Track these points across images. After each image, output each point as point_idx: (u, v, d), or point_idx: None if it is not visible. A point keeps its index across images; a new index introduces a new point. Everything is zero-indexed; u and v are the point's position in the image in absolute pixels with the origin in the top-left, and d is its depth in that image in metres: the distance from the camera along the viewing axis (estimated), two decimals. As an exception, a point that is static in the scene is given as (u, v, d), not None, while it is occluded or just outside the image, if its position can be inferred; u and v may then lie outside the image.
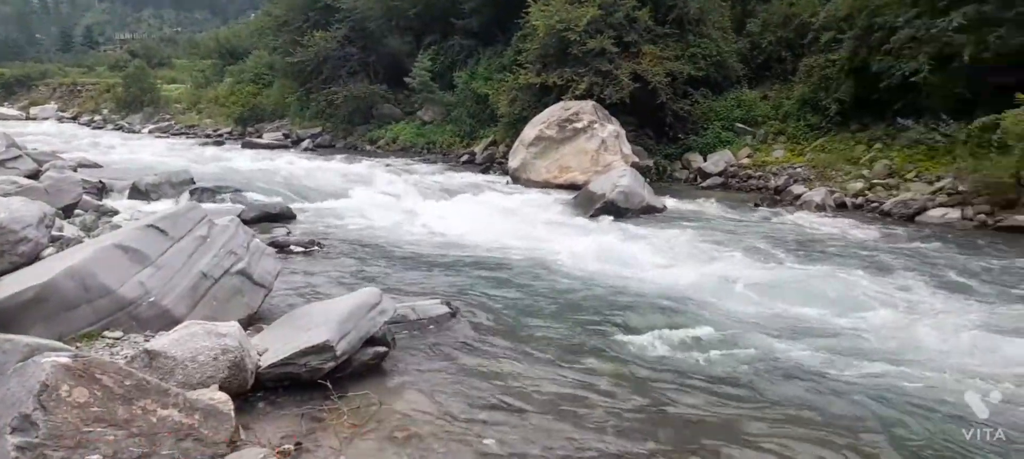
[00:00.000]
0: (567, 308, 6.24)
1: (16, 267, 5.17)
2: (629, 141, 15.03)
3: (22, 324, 4.29)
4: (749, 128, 16.13)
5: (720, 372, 4.80)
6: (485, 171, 17.31)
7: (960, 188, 11.19)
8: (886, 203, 11.64)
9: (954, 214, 10.83)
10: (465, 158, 19.12)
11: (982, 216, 10.53)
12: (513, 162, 15.36)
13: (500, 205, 11.86)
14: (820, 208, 11.93)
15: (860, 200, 12.19)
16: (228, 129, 27.97)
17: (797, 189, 13.09)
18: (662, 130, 16.38)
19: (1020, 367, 4.81)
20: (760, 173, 14.53)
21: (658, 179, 15.17)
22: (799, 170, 13.96)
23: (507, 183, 14.97)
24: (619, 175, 12.06)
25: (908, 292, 6.83)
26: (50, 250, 5.57)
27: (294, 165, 16.37)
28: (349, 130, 23.80)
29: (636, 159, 14.58)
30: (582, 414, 4.07)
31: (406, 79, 22.53)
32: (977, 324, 5.78)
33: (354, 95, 23.38)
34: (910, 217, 11.13)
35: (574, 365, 4.89)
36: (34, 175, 10.84)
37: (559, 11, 16.11)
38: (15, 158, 11.79)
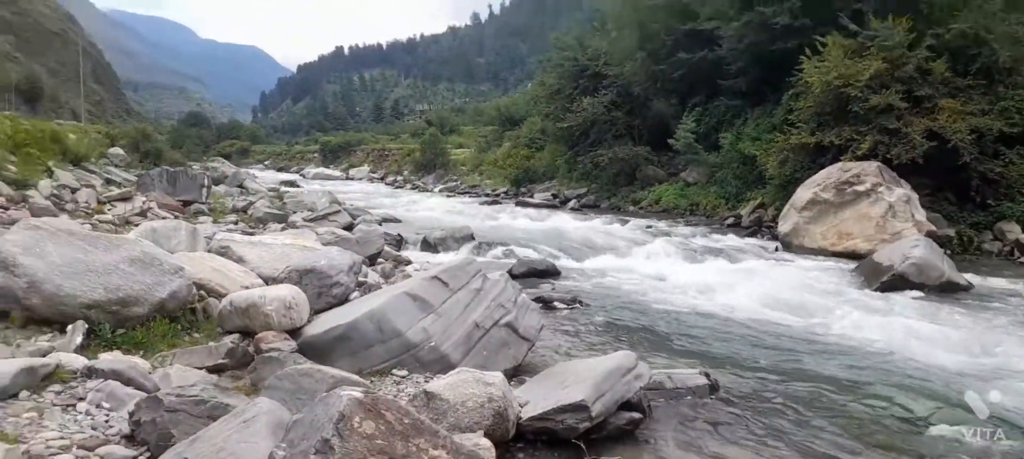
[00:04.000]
0: (843, 393, 5.63)
1: (330, 307, 6.11)
2: (924, 207, 13.32)
3: (331, 356, 5.05)
4: (1087, 193, 13.35)
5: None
6: (751, 235, 16.50)
7: None
8: None
9: None
10: (730, 221, 18.42)
11: None
12: (783, 226, 14.45)
13: (769, 271, 11.19)
14: None
15: None
16: (505, 189, 30.30)
17: None
18: (966, 195, 14.26)
19: None
20: (1103, 247, 11.88)
21: (962, 252, 13.18)
22: None
23: (776, 249, 14.10)
24: (911, 245, 10.69)
25: None
26: (356, 293, 6.49)
27: (561, 224, 17.16)
28: (613, 191, 24.38)
29: (932, 227, 12.84)
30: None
31: (670, 141, 22.56)
32: None
33: (618, 157, 24.01)
34: None
35: (845, 452, 4.39)
36: (349, 227, 12.79)
37: (837, 66, 15.05)
38: (335, 212, 14.04)
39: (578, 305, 8.53)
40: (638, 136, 24.89)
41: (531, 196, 26.80)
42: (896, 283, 9.86)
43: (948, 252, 11.63)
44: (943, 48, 14.78)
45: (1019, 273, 11.27)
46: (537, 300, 7.94)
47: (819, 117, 15.79)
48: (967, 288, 9.99)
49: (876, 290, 9.84)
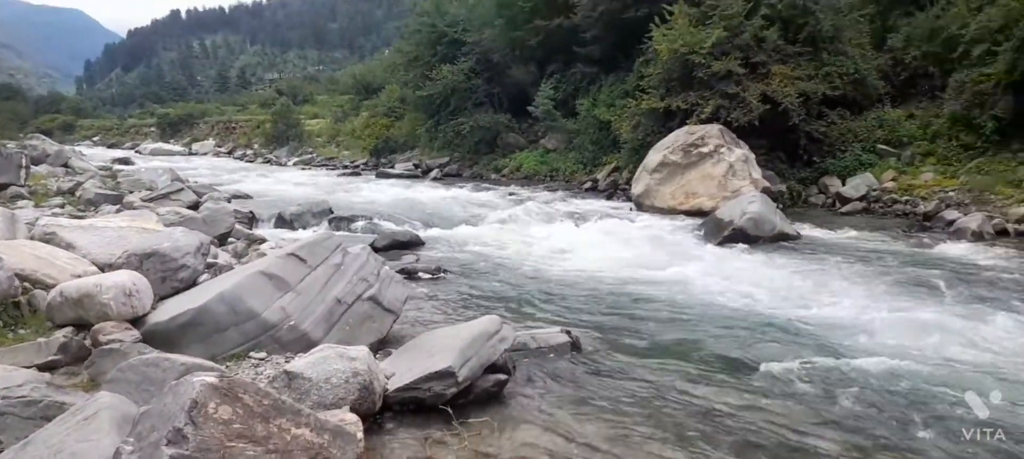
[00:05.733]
0: (693, 338, 6.05)
1: (176, 291, 5.71)
2: (759, 165, 14.44)
3: (181, 344, 4.73)
4: (893, 150, 15.05)
5: (859, 410, 4.48)
6: (608, 198, 17.21)
7: None
8: (1057, 230, 10.46)
9: None
10: (588, 185, 19.09)
11: None
12: (636, 188, 15.17)
13: (623, 232, 11.73)
14: (977, 236, 10.88)
15: (1025, 226, 11.02)
16: (364, 160, 29.55)
17: (950, 215, 12.02)
18: (795, 153, 15.63)
19: None
20: (907, 198, 13.49)
21: (792, 205, 14.45)
22: (951, 194, 12.84)
23: (630, 210, 14.80)
24: (748, 201, 11.60)
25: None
26: (205, 276, 6.10)
27: (423, 194, 17.03)
28: (475, 159, 24.47)
29: (767, 184, 13.98)
30: (708, 449, 3.92)
31: (529, 108, 22.90)
32: None
33: (480, 125, 24.08)
34: (1088, 245, 9.92)
35: (700, 397, 4.73)
36: (194, 206, 11.96)
37: (682, 34, 15.84)
38: (178, 191, 13.07)
39: (443, 274, 8.53)
40: (499, 104, 25.06)
41: (392, 167, 26.36)
42: (736, 236, 10.70)
43: (780, 206, 12.73)
44: (776, 17, 15.97)
45: (839, 222, 12.55)
46: (401, 272, 7.85)
47: (667, 83, 16.57)
48: (796, 238, 11.02)
49: (719, 244, 10.62)
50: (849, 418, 4.40)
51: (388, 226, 11.84)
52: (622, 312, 6.97)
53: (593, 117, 20.62)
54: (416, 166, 25.86)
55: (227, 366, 4.49)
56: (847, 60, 15.97)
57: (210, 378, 2.89)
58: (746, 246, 10.36)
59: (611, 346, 5.85)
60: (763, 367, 5.23)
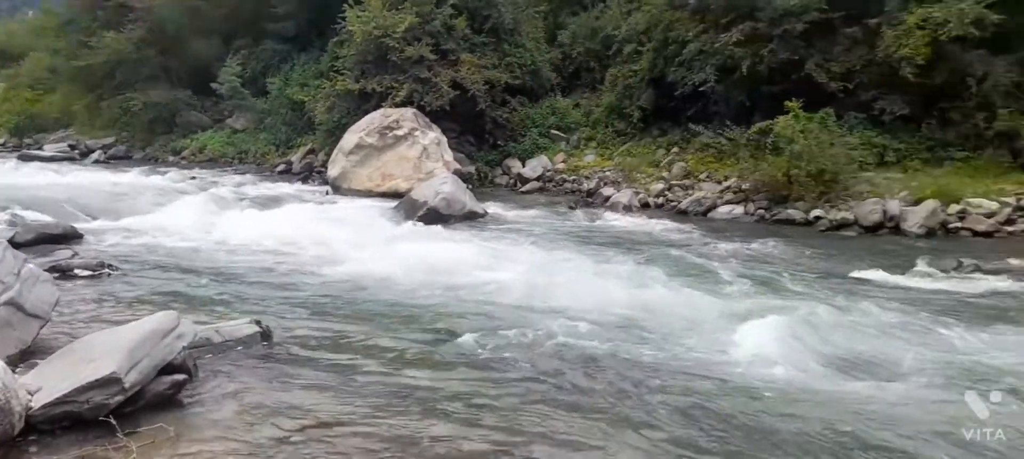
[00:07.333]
0: (388, 318, 6.16)
1: None
2: (451, 148, 15.21)
3: None
4: (563, 134, 16.94)
5: (545, 367, 4.96)
6: (304, 181, 16.74)
7: (743, 186, 12.51)
8: (683, 202, 12.76)
9: (739, 210, 12.10)
10: (281, 168, 18.36)
11: (761, 211, 11.84)
12: (333, 171, 14.96)
13: (319, 215, 11.48)
14: (627, 208, 12.81)
15: (661, 200, 13.25)
16: (2, 140, 24.69)
17: (606, 191, 13.95)
18: (483, 137, 16.76)
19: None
20: (574, 177, 15.31)
21: (480, 185, 15.47)
22: (608, 173, 14.89)
23: (326, 193, 14.55)
24: (441, 182, 12.16)
25: (684, 280, 7.51)
26: None
27: (82, 179, 14.74)
28: (148, 140, 21.96)
29: (458, 166, 14.78)
30: (402, 424, 4.02)
31: (214, 85, 21.15)
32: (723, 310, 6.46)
33: (153, 102, 21.60)
34: (703, 214, 12.28)
35: (396, 376, 4.82)
36: None
37: (376, 17, 15.95)
38: None
39: (108, 270, 7.50)
40: (176, 79, 22.66)
41: (40, 148, 22.51)
42: (430, 216, 11.17)
43: (470, 186, 13.56)
44: (463, 7, 16.81)
45: (520, 200, 13.83)
46: (53, 270, 6.76)
47: (362, 65, 16.56)
48: (484, 215, 11.88)
49: (413, 224, 11.00)
50: (529, 375, 4.85)
51: (35, 217, 10.05)
52: (318, 297, 6.82)
53: (286, 97, 19.92)
54: (73, 147, 22.38)
55: None
56: (525, 52, 17.53)
57: None
58: (440, 225, 10.87)
59: (306, 333, 5.69)
60: (456, 340, 5.52)
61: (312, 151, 18.32)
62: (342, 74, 16.82)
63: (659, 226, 11.24)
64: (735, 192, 12.58)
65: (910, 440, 3.89)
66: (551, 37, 19.25)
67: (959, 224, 10.32)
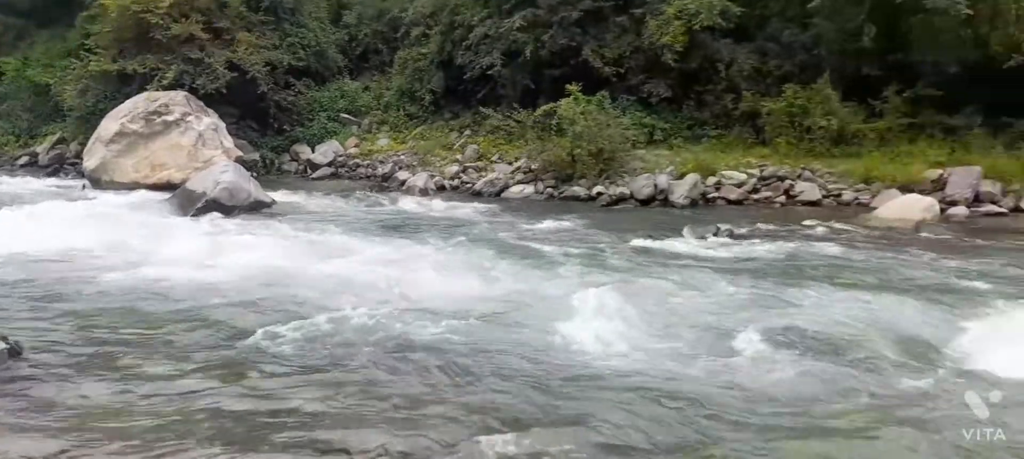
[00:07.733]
0: (168, 321, 5.56)
1: None
2: (231, 134, 14.18)
3: None
4: (354, 118, 16.53)
5: (341, 356, 4.78)
6: (53, 174, 14.86)
7: (532, 167, 13.09)
8: (477, 184, 13.06)
9: (530, 189, 12.65)
10: (24, 160, 16.14)
11: (550, 190, 12.48)
12: (90, 162, 13.29)
13: (76, 213, 10.10)
14: (423, 192, 12.83)
15: (456, 182, 13.46)
16: None
17: (402, 175, 13.88)
18: (266, 122, 15.86)
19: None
20: (368, 162, 15.03)
21: (266, 173, 14.67)
22: (403, 157, 14.80)
23: (84, 187, 12.93)
24: (221, 171, 11.29)
25: (492, 260, 7.70)
26: None
27: None
28: None
29: (240, 153, 13.82)
30: (190, 431, 3.66)
31: (-75, 65, 17.79)
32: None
33: None
34: (497, 194, 12.67)
35: (177, 382, 4.36)
36: None
37: (135, -10, 14.34)
38: None
39: None
40: None
41: None
42: (210, 207, 10.34)
43: (255, 174, 12.75)
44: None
45: (311, 187, 13.30)
46: None
47: (120, 44, 14.98)
48: (271, 205, 11.22)
49: (192, 216, 10.11)
50: (328, 366, 4.66)
51: None
52: (79, 306, 5.99)
53: (25, 79, 17.40)
54: None
55: None
56: (308, 32, 16.79)
57: None
58: (221, 216, 10.09)
59: (68, 347, 4.97)
60: (245, 340, 5.14)
61: (63, 141, 16.22)
62: (95, 53, 14.99)
63: (457, 209, 11.37)
64: (525, 172, 13.11)
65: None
66: (336, 17, 18.62)
67: (716, 194, 11.67)
